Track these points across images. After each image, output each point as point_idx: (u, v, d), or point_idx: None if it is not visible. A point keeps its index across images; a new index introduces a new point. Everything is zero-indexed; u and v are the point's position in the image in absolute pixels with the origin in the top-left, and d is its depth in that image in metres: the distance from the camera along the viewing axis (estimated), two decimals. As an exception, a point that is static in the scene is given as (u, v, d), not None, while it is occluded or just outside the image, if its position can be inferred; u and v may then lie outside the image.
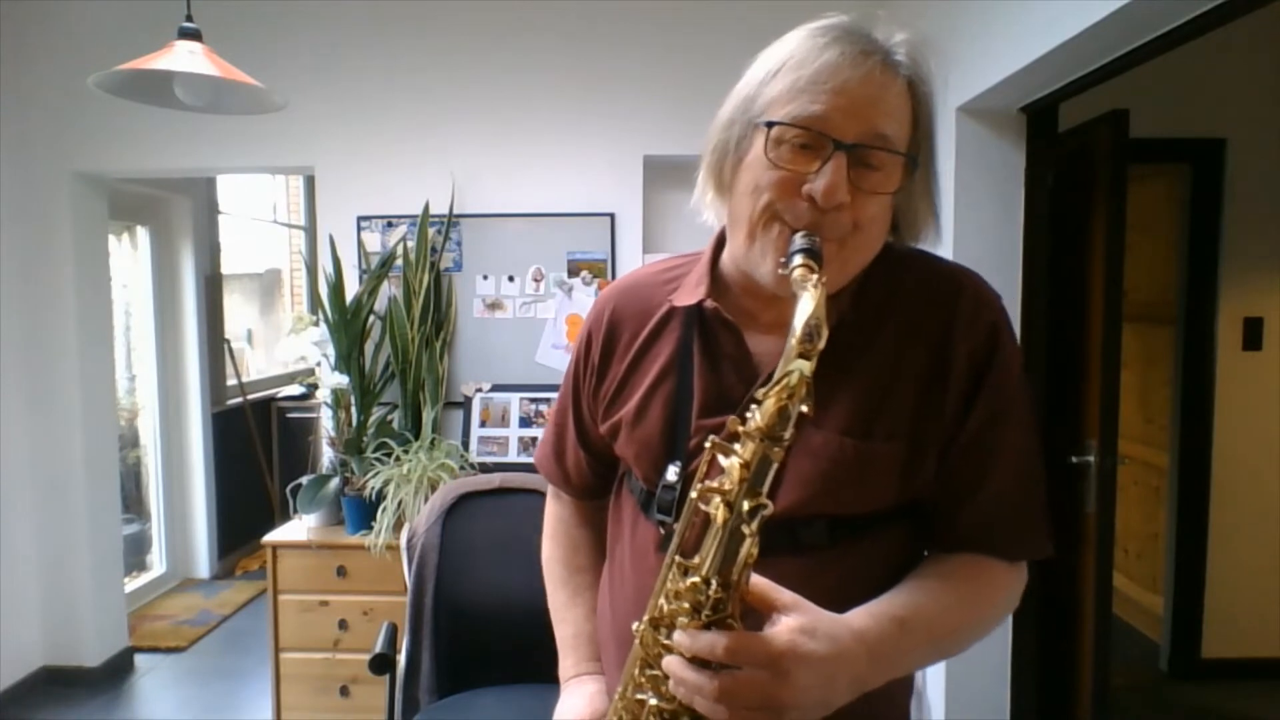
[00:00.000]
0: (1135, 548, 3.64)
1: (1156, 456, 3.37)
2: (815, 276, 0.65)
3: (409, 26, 2.87)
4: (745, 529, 0.62)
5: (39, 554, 3.05)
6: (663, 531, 0.82)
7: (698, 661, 0.63)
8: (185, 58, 1.73)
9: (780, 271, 0.70)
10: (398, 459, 2.53)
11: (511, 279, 2.90)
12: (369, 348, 2.81)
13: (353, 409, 2.69)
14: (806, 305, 0.63)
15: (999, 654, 2.23)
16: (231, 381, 4.42)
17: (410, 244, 2.80)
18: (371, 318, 2.80)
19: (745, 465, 0.62)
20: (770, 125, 0.73)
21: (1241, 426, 3.05)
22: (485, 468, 2.70)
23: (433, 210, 2.83)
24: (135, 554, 3.96)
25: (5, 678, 2.92)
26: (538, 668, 1.96)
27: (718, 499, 0.63)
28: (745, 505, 0.62)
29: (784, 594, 0.66)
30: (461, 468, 2.59)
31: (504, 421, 2.85)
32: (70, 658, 3.10)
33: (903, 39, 0.75)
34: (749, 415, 0.63)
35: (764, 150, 0.73)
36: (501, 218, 2.88)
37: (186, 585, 4.12)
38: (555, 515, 1.09)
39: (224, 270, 4.45)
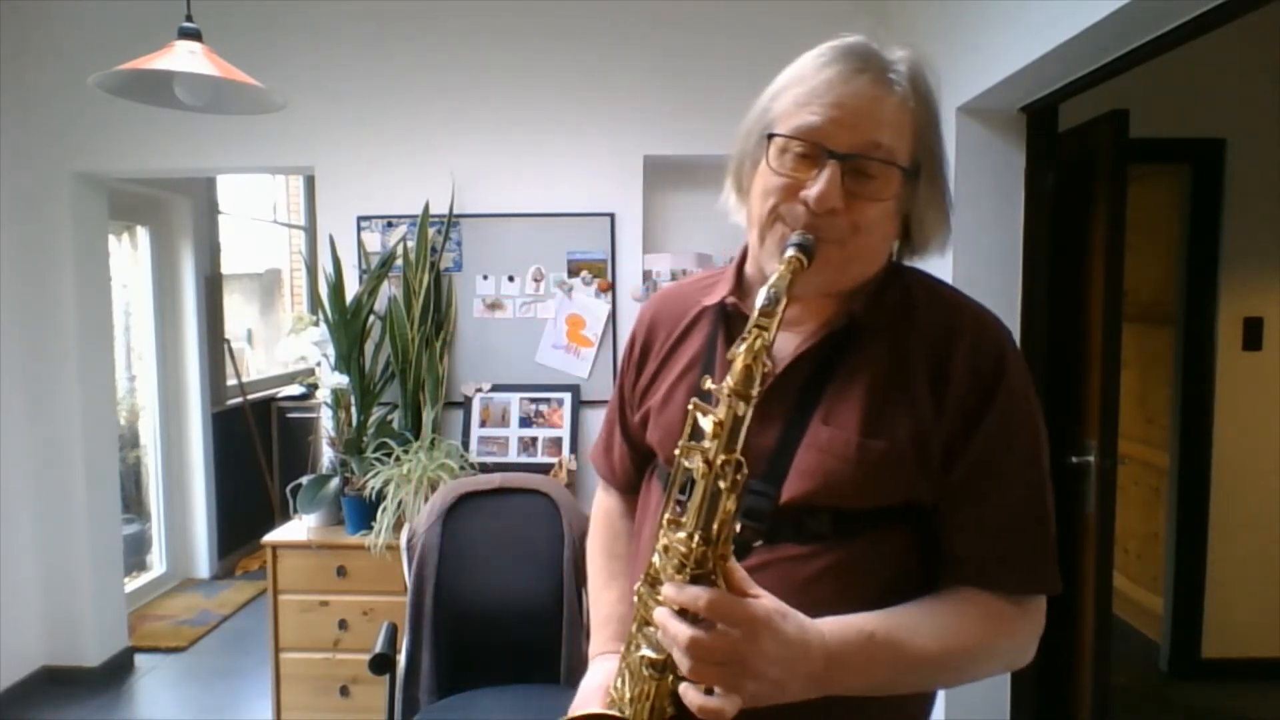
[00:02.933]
0: (1135, 548, 3.64)
1: (1156, 456, 3.37)
2: (797, 267, 0.73)
3: (409, 26, 2.87)
4: (722, 483, 0.67)
5: (39, 554, 3.05)
6: (679, 509, 0.85)
7: (683, 615, 0.68)
8: (185, 58, 1.73)
9: (777, 265, 0.75)
10: (398, 459, 2.53)
11: (511, 279, 2.90)
12: (369, 348, 2.81)
13: (353, 409, 2.69)
14: (769, 283, 0.71)
15: (999, 654, 2.23)
16: (231, 381, 4.42)
17: (410, 244, 2.80)
18: (371, 318, 2.80)
19: (719, 423, 0.68)
20: (772, 136, 0.80)
21: (1241, 426, 3.05)
22: (485, 468, 2.70)
23: (433, 210, 2.83)
24: (135, 554, 3.96)
25: (5, 678, 2.92)
26: (537, 668, 1.97)
27: (698, 456, 0.68)
28: (720, 460, 0.67)
29: (760, 592, 0.70)
30: (461, 468, 2.59)
31: (504, 421, 2.85)
32: (70, 658, 3.10)
33: (902, 56, 0.81)
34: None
35: (770, 159, 0.81)
36: (501, 218, 2.88)
37: (186, 585, 4.12)
38: (602, 506, 1.14)
39: (224, 270, 4.45)
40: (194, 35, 1.79)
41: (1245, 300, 3.04)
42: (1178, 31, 1.52)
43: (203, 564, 4.20)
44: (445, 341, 2.86)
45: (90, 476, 3.08)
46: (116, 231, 3.75)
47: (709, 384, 0.70)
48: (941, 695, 2.24)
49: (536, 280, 2.90)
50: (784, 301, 0.70)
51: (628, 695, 0.79)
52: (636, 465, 1.05)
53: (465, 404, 2.88)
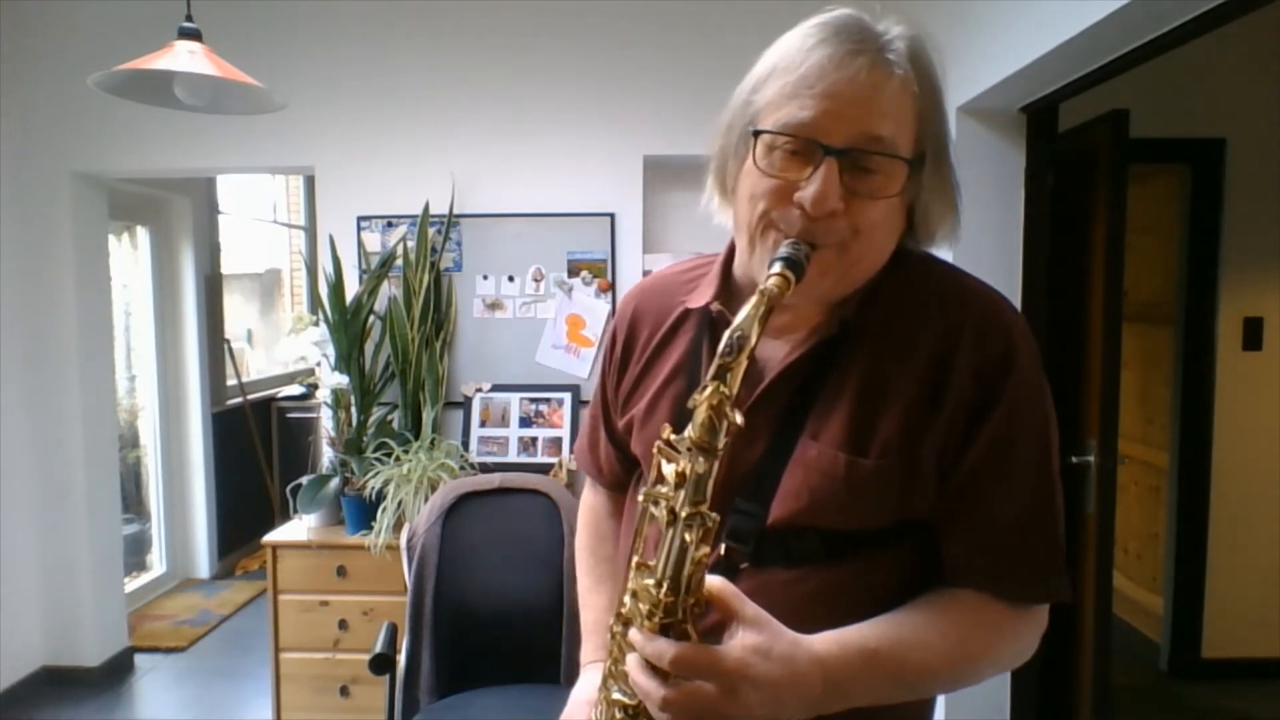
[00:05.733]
0: (1135, 548, 3.64)
1: (1156, 456, 3.37)
2: (782, 287, 0.65)
3: (409, 27, 2.87)
4: (687, 535, 0.62)
5: (39, 554, 3.05)
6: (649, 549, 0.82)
7: (652, 665, 0.63)
8: (185, 58, 1.73)
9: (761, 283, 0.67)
10: (398, 459, 2.53)
11: (511, 279, 2.90)
12: (369, 348, 2.81)
13: (353, 409, 2.69)
14: (742, 312, 0.64)
15: (999, 654, 2.23)
16: (231, 381, 4.42)
17: (410, 244, 2.80)
18: (371, 318, 2.80)
19: (680, 474, 0.62)
20: (759, 134, 0.72)
21: (1241, 426, 3.05)
22: (485, 468, 2.70)
23: (433, 210, 2.83)
24: (135, 554, 3.96)
25: (5, 678, 2.92)
26: (537, 668, 1.97)
27: (663, 503, 0.63)
28: (684, 513, 0.62)
29: (748, 607, 0.65)
30: (461, 468, 2.59)
31: (504, 421, 2.85)
32: (70, 658, 3.10)
33: (900, 33, 0.73)
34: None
35: (757, 158, 0.72)
36: (501, 218, 2.88)
37: (186, 585, 4.11)
38: (589, 505, 1.08)
39: (224, 270, 4.45)
40: (194, 35, 1.79)
41: (1245, 300, 3.04)
42: (1178, 31, 1.52)
43: (203, 564, 4.20)
44: (445, 341, 2.86)
45: (90, 476, 3.08)
46: (116, 231, 3.75)
47: (668, 433, 0.64)
48: (942, 695, 2.25)
49: (536, 280, 2.90)
50: (750, 346, 0.62)
51: None
52: (625, 466, 0.98)
53: (465, 404, 2.88)
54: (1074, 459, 2.16)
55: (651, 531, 0.67)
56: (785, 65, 0.72)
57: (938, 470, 0.73)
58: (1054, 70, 1.81)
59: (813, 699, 0.66)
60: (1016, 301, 2.18)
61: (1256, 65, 2.95)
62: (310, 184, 4.40)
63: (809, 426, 0.74)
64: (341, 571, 2.50)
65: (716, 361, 0.62)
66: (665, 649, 0.62)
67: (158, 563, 4.08)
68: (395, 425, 2.80)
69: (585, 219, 2.85)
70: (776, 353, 0.78)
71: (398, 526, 2.37)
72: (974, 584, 0.74)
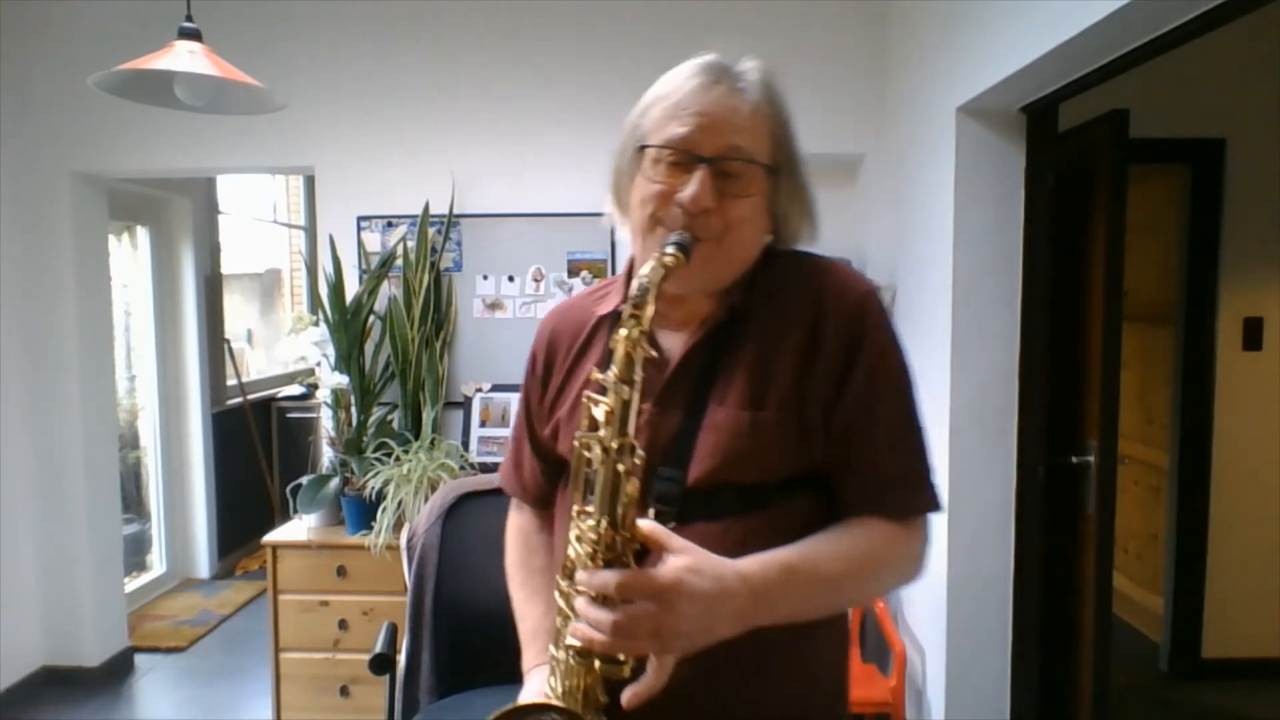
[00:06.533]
0: (1135, 548, 3.64)
1: (1156, 456, 3.37)
2: (672, 261, 0.79)
3: (409, 27, 2.87)
4: (620, 466, 0.73)
5: (39, 554, 3.05)
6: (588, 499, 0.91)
7: (600, 601, 0.73)
8: (185, 58, 1.73)
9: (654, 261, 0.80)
10: (398, 459, 2.53)
11: (511, 279, 2.90)
12: (369, 348, 2.81)
13: (353, 409, 2.69)
14: (641, 273, 0.77)
15: (999, 654, 2.23)
16: (231, 381, 4.42)
17: (410, 244, 2.80)
18: (371, 318, 2.80)
19: (609, 411, 0.74)
20: (646, 148, 0.89)
21: (1241, 426, 3.05)
22: (485, 468, 2.70)
23: (433, 210, 2.83)
24: (135, 554, 3.96)
25: (5, 678, 2.92)
26: (538, 668, 1.96)
27: (596, 445, 0.74)
28: (615, 445, 0.73)
29: (675, 539, 0.76)
30: (461, 468, 2.59)
31: (504, 421, 2.85)
32: (70, 658, 3.10)
33: (751, 67, 0.90)
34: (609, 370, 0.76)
35: (646, 169, 0.89)
36: (501, 218, 2.88)
37: (186, 585, 4.12)
38: (515, 525, 1.17)
39: (224, 270, 4.45)
40: (194, 35, 1.79)
41: (1245, 300, 3.04)
42: (1178, 31, 1.52)
43: (203, 564, 4.20)
44: (445, 341, 2.86)
45: (90, 476, 3.08)
46: (116, 231, 3.75)
47: (596, 374, 0.76)
48: (942, 695, 2.25)
49: (536, 280, 2.90)
50: (652, 292, 0.76)
51: (560, 690, 0.83)
52: (548, 478, 1.08)
53: (465, 404, 2.88)
54: (1074, 459, 2.16)
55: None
56: (664, 95, 0.90)
57: (823, 417, 0.87)
58: (1054, 70, 1.81)
59: (743, 611, 0.76)
60: (1016, 301, 2.18)
61: (1256, 65, 2.95)
62: (310, 184, 4.40)
63: (714, 395, 0.88)
64: (341, 571, 2.50)
65: (628, 309, 0.75)
66: (609, 577, 0.72)
67: (158, 563, 4.08)
68: (395, 425, 2.80)
69: (585, 219, 2.85)
70: (678, 343, 0.93)
71: (398, 526, 2.37)
72: (864, 510, 0.88)
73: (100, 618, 3.13)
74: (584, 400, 0.77)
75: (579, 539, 0.77)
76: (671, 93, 0.89)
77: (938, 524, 2.16)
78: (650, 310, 0.76)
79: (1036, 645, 2.24)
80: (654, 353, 0.76)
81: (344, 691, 2.52)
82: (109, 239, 3.34)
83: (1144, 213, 3.32)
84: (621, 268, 1.17)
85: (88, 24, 2.89)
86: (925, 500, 0.91)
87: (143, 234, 3.93)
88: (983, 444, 2.19)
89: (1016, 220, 2.17)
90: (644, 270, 0.78)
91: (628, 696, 0.75)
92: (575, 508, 0.79)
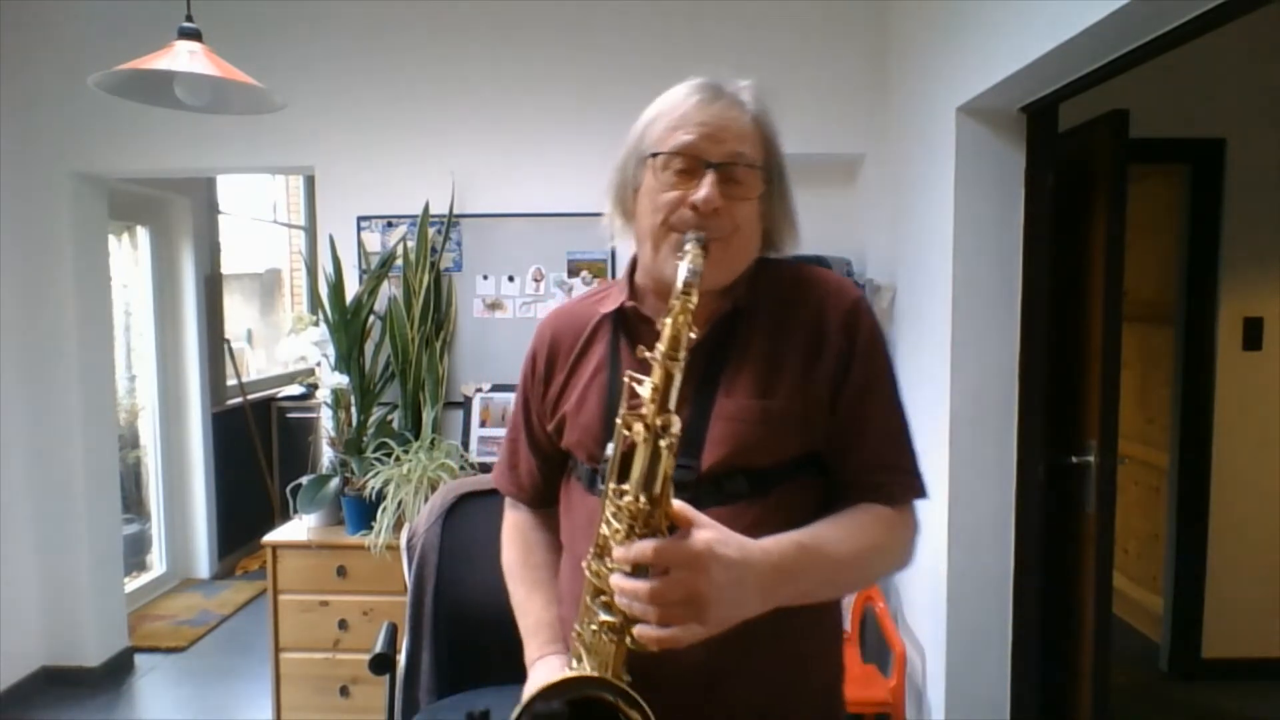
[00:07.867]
0: (1135, 548, 3.64)
1: (1156, 456, 3.37)
2: (701, 256, 0.85)
3: (409, 27, 2.87)
4: (662, 442, 0.76)
5: (39, 554, 3.05)
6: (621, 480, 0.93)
7: (635, 573, 0.76)
8: (185, 58, 1.73)
9: (676, 259, 0.86)
10: (398, 459, 2.53)
11: (511, 279, 2.90)
12: (369, 348, 2.81)
13: (353, 409, 2.69)
14: (685, 263, 0.83)
15: (999, 654, 2.23)
16: (231, 381, 4.42)
17: (410, 244, 2.80)
18: (371, 318, 2.80)
19: (655, 387, 0.78)
20: (655, 155, 0.95)
21: (1241, 426, 3.05)
22: (485, 468, 2.70)
23: (433, 210, 2.83)
24: (135, 554, 3.96)
25: (5, 678, 2.92)
26: (538, 668, 1.96)
27: (638, 423, 0.77)
28: (659, 422, 0.76)
29: (702, 516, 0.79)
30: (461, 468, 2.59)
31: (504, 421, 2.85)
32: (70, 658, 3.10)
33: (746, 85, 0.98)
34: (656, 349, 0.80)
35: (652, 176, 0.95)
36: (501, 218, 2.88)
37: (186, 585, 4.12)
38: (511, 524, 1.20)
39: (224, 270, 4.45)
40: (194, 35, 1.78)
41: (1245, 300, 3.04)
42: (1178, 31, 1.52)
43: (203, 564, 4.20)
44: (445, 341, 2.86)
45: (90, 477, 3.08)
46: (116, 231, 3.75)
47: (645, 353, 0.79)
48: (942, 695, 2.25)
49: (536, 280, 2.90)
50: (699, 275, 0.82)
51: (588, 668, 0.84)
52: (545, 476, 1.12)
53: (465, 404, 2.88)
54: (1074, 459, 2.16)
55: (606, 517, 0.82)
56: (666, 111, 0.96)
57: (829, 404, 0.94)
58: (1054, 70, 1.81)
59: (766, 583, 0.80)
60: (1016, 302, 2.18)
61: (1256, 65, 2.95)
62: (310, 184, 4.40)
63: (722, 387, 0.94)
64: (341, 571, 2.50)
65: (679, 289, 0.81)
66: (646, 546, 0.76)
67: (158, 563, 4.08)
68: (395, 425, 2.80)
69: (585, 219, 2.85)
70: None
71: (398, 526, 2.37)
72: (863, 497, 0.94)
73: (100, 618, 3.13)
74: (626, 380, 0.81)
75: (614, 515, 0.80)
76: (673, 108, 0.96)
77: (938, 524, 2.17)
78: (695, 296, 0.81)
79: (1037, 645, 2.24)
80: (696, 335, 0.81)
81: (344, 691, 2.52)
82: (109, 239, 3.34)
83: (1144, 213, 3.32)
84: (622, 268, 1.18)
85: (88, 24, 2.89)
86: (916, 486, 0.98)
87: (143, 234, 3.93)
88: (983, 443, 2.19)
89: (1016, 220, 2.17)
90: (686, 259, 0.84)
91: (641, 629, 0.76)
92: (611, 485, 0.82)
